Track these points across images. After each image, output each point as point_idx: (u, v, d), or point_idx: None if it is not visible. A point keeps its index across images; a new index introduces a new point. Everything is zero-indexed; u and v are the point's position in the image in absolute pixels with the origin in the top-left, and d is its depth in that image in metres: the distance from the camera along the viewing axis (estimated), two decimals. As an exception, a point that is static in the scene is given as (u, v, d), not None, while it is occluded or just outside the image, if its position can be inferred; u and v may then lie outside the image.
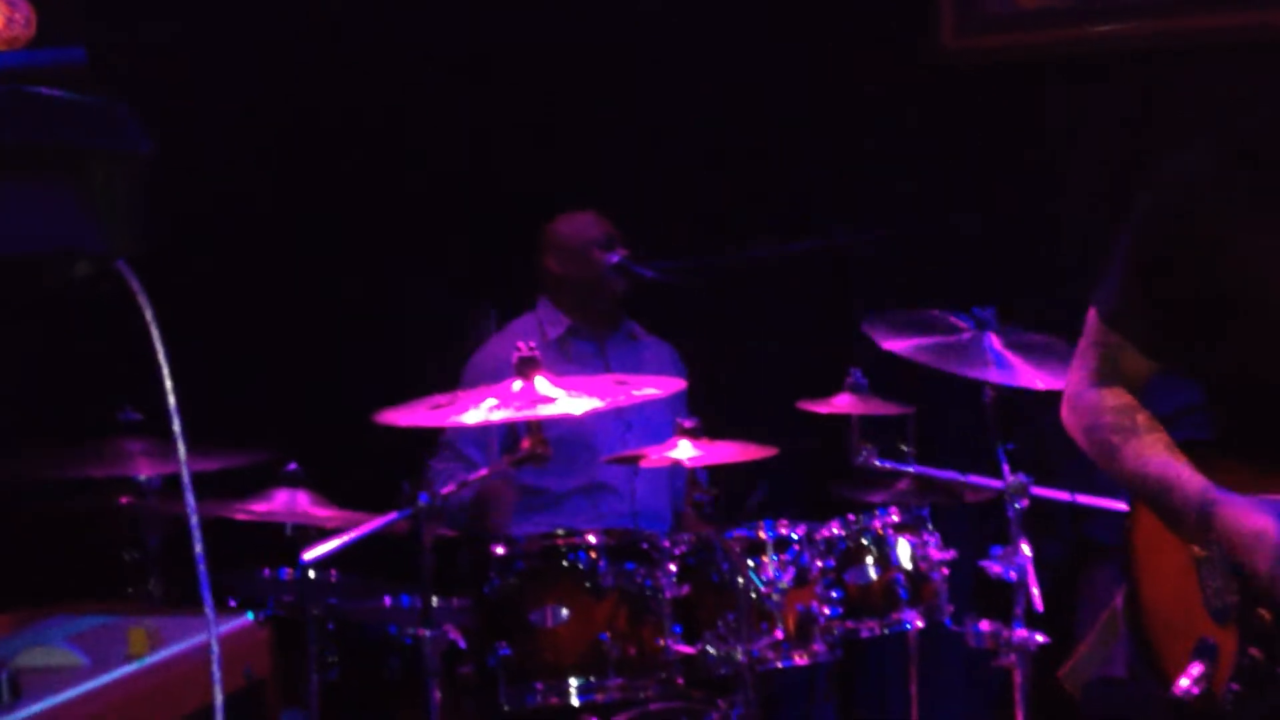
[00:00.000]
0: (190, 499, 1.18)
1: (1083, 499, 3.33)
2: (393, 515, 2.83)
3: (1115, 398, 2.11)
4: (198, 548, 1.16)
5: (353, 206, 4.33)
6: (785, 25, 4.28)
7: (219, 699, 1.10)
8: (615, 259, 3.76)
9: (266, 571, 3.29)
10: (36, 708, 1.26)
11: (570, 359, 3.78)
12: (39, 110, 0.95)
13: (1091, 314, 2.16)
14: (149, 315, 1.06)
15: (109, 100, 0.98)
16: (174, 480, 3.17)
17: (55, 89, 0.95)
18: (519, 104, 4.35)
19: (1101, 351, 2.13)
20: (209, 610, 1.15)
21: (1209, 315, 2.02)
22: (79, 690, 1.29)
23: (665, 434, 3.32)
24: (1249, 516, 1.91)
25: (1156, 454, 2.04)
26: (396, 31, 4.34)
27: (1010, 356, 3.37)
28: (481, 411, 2.79)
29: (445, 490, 2.85)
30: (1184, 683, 1.96)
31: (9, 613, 1.52)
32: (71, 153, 0.95)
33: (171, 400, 1.11)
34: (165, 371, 1.06)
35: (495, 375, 3.15)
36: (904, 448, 3.56)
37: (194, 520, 1.17)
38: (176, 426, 1.13)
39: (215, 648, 1.09)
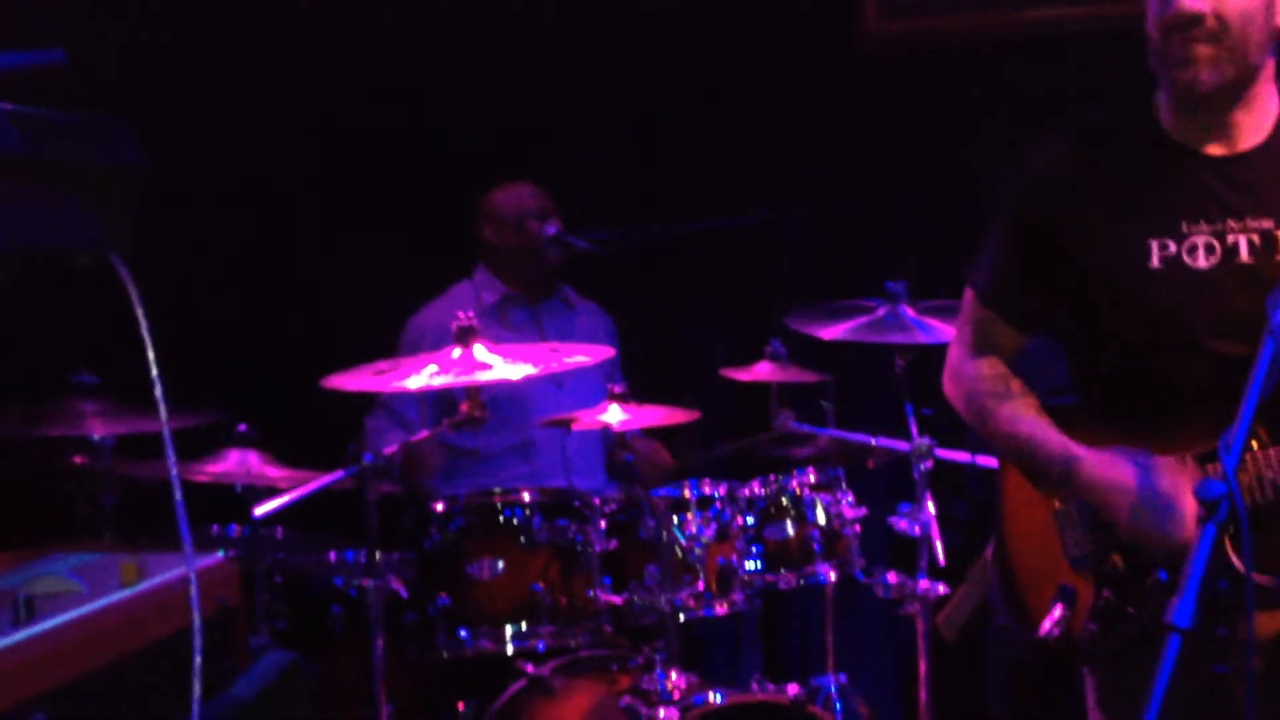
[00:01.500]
0: (171, 455, 1.36)
1: (983, 460, 3.56)
2: (338, 473, 3.01)
3: (990, 367, 2.32)
4: (177, 494, 1.35)
5: (301, 173, 4.46)
6: (715, 7, 4.45)
7: (197, 621, 1.31)
8: (551, 230, 3.95)
9: (215, 528, 3.47)
10: (50, 623, 1.47)
11: (506, 325, 3.96)
12: (46, 129, 1.12)
13: (967, 292, 2.37)
14: (138, 306, 1.23)
15: (108, 117, 1.14)
16: (127, 440, 3.32)
17: (50, 102, 1.12)
18: (462, 77, 4.49)
19: (976, 326, 2.34)
20: (187, 546, 1.35)
21: (1067, 293, 2.23)
22: (82, 611, 1.52)
23: (597, 395, 3.52)
24: (1107, 469, 2.12)
25: (1026, 416, 2.25)
26: (346, 9, 4.46)
27: (929, 320, 3.60)
28: (423, 377, 2.97)
29: (388, 451, 3.03)
30: (1046, 624, 2.17)
31: (7, 551, 1.72)
32: (74, 166, 1.11)
33: (155, 372, 1.28)
34: (151, 356, 1.23)
35: (433, 340, 3.33)
36: (824, 404, 3.79)
37: (174, 472, 1.36)
38: (159, 392, 1.30)
39: (193, 578, 1.29)
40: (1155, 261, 2.13)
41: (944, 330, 3.53)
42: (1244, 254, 2.10)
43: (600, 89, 4.45)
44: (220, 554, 1.75)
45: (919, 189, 4.34)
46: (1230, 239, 2.10)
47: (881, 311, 3.65)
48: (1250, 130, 2.12)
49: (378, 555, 3.03)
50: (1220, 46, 2.04)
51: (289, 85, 4.44)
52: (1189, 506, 2.01)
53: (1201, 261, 2.11)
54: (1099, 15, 3.93)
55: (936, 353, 3.53)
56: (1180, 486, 2.04)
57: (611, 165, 4.47)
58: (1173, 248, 2.12)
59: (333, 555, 3.51)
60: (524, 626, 3.19)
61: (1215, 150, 2.13)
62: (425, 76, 4.47)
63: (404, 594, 3.12)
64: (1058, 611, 2.18)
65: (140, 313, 1.26)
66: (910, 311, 3.63)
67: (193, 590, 1.33)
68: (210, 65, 4.28)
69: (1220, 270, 2.10)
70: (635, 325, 4.18)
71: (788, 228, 4.25)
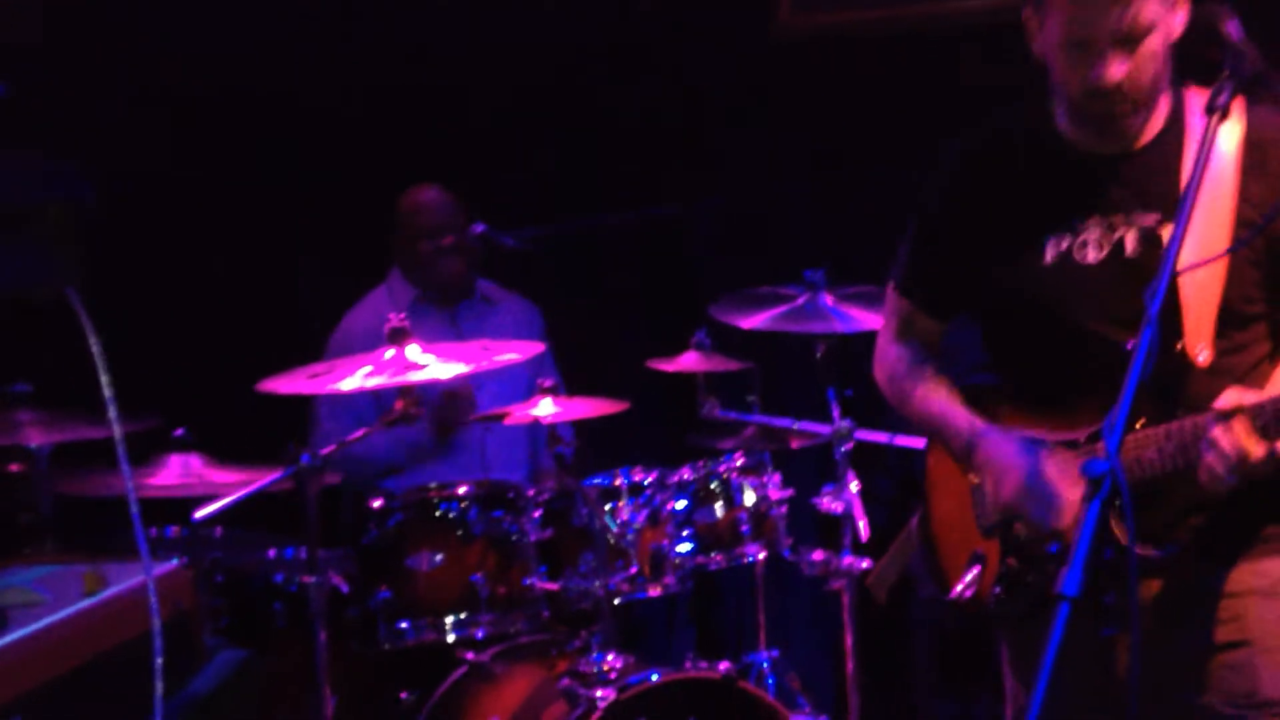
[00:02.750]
0: (127, 470, 1.44)
1: (901, 440, 3.71)
2: (278, 473, 3.08)
3: (910, 352, 2.47)
4: (134, 509, 1.43)
5: (238, 175, 4.50)
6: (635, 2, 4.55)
7: (157, 625, 1.40)
8: (479, 229, 4.03)
9: (154, 530, 3.52)
10: (21, 632, 1.56)
11: (420, 327, 3.98)
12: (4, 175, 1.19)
13: (889, 286, 2.52)
14: (92, 338, 1.31)
15: (58, 159, 1.20)
16: (63, 448, 3.35)
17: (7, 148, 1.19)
18: (383, 78, 4.55)
19: (898, 315, 2.50)
20: (145, 556, 1.43)
21: (975, 285, 2.36)
22: (50, 620, 1.61)
23: (519, 389, 3.61)
24: (1001, 450, 2.26)
25: (939, 397, 2.40)
26: (284, 13, 4.50)
27: (847, 308, 3.74)
28: (357, 379, 3.05)
29: (325, 451, 3.10)
30: (959, 587, 2.32)
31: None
32: (27, 207, 1.18)
33: (108, 391, 1.36)
34: (105, 381, 1.30)
35: (356, 345, 3.41)
36: (750, 398, 3.92)
37: (130, 487, 1.44)
38: (114, 414, 1.38)
39: (152, 586, 1.38)
40: (1049, 256, 2.26)
41: (862, 317, 3.67)
42: (1130, 248, 2.22)
43: (520, 86, 4.53)
44: (175, 561, 1.83)
45: (835, 178, 4.47)
46: (1118, 234, 2.23)
47: (801, 300, 3.78)
48: (1142, 130, 2.24)
49: (318, 551, 3.11)
50: (1139, 100, 2.17)
51: (223, 92, 4.47)
52: (1069, 496, 2.15)
53: (1091, 256, 2.24)
54: (1009, 6, 4.07)
55: (856, 338, 3.68)
56: (1064, 476, 2.18)
57: (534, 161, 4.55)
58: (1065, 243, 2.25)
59: (273, 553, 3.57)
60: (464, 616, 3.29)
61: (1107, 149, 2.25)
62: (348, 79, 4.52)
63: (345, 589, 3.20)
64: (969, 575, 2.33)
65: (94, 343, 1.34)
66: (829, 299, 3.77)
67: (152, 597, 1.42)
68: (140, 67, 4.31)
69: (1108, 264, 2.22)
70: (562, 319, 4.28)
71: (709, 218, 4.37)
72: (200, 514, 3.07)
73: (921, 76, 4.37)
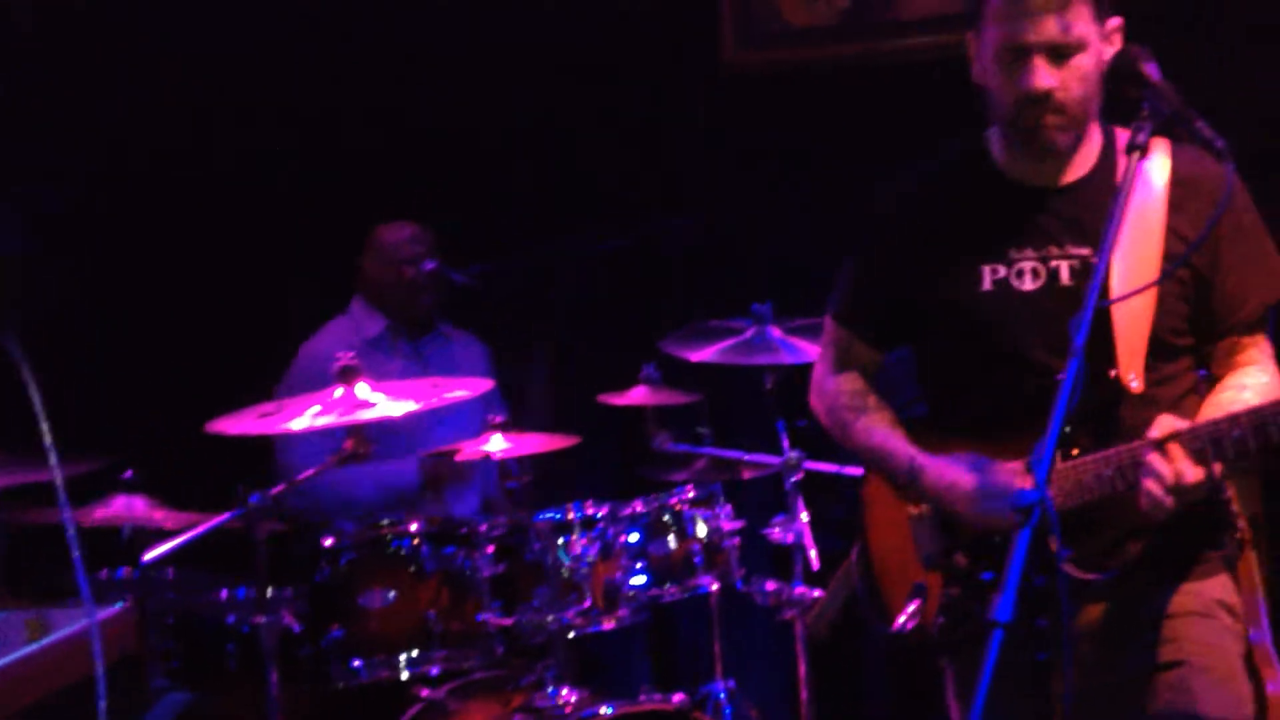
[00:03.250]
0: (66, 509, 1.46)
1: (850, 470, 3.75)
2: (226, 515, 3.08)
3: (849, 383, 2.50)
4: (75, 551, 1.44)
5: (182, 214, 4.51)
6: (582, 40, 4.60)
7: (100, 669, 1.41)
8: (430, 266, 4.06)
9: (104, 573, 3.50)
10: None
11: (392, 358, 4.06)
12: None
13: (828, 316, 2.55)
14: (31, 385, 1.32)
15: None
16: (5, 493, 3.33)
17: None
18: (339, 112, 4.58)
19: (836, 346, 2.53)
20: (88, 600, 1.44)
21: (913, 315, 2.41)
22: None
23: (474, 424, 3.63)
24: (945, 473, 2.30)
25: (880, 428, 2.43)
26: (244, 35, 4.52)
27: (794, 341, 3.79)
28: (306, 418, 3.06)
29: (275, 491, 3.10)
30: (902, 619, 2.35)
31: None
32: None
33: (48, 439, 1.37)
34: (45, 429, 1.31)
35: (317, 377, 3.41)
36: (701, 431, 3.96)
37: (71, 531, 1.45)
38: (54, 461, 1.39)
39: (95, 629, 1.39)
40: (987, 285, 2.31)
41: (809, 349, 3.72)
42: (1065, 278, 2.28)
43: (469, 123, 4.56)
44: (119, 604, 1.84)
45: (782, 212, 4.53)
46: (1053, 264, 2.28)
47: (749, 332, 3.83)
48: (1076, 165, 2.31)
49: (269, 591, 3.11)
50: (1067, 114, 2.23)
51: (176, 128, 4.48)
52: (1025, 486, 2.18)
53: (1028, 284, 2.29)
54: (952, 43, 4.17)
55: (804, 370, 3.72)
56: (1015, 474, 2.22)
57: (483, 198, 4.59)
58: (1002, 272, 2.31)
59: (224, 593, 3.56)
60: (417, 653, 3.30)
61: (1042, 182, 2.32)
62: (306, 112, 4.55)
63: (296, 628, 3.20)
64: (912, 607, 2.36)
65: (33, 390, 1.35)
66: (776, 332, 3.82)
67: (95, 641, 1.43)
68: (91, 105, 4.32)
69: (1044, 293, 2.28)
70: (512, 355, 4.30)
71: (657, 253, 4.41)
72: (150, 555, 3.07)
73: (864, 112, 4.45)
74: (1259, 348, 2.31)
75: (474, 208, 4.55)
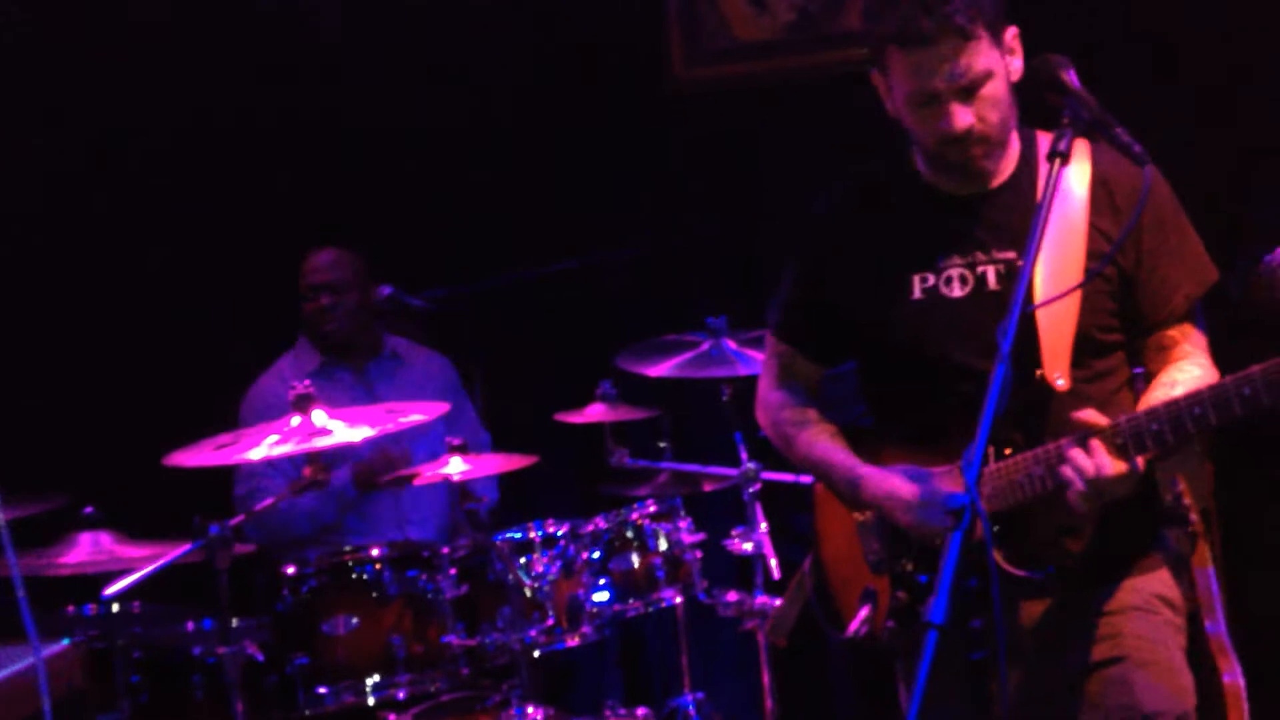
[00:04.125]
0: (10, 552, 1.48)
1: (807, 479, 3.79)
2: (187, 547, 3.10)
3: (792, 397, 2.54)
4: (20, 591, 1.46)
5: (136, 242, 4.52)
6: (534, 58, 4.64)
7: (46, 706, 1.43)
8: (386, 291, 4.08)
9: (71, 608, 3.51)
10: None
11: (333, 389, 3.99)
12: None
13: (768, 331, 2.60)
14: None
15: None
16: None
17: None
18: (291, 142, 4.60)
19: (778, 360, 2.57)
20: (33, 638, 1.47)
21: (850, 326, 2.45)
22: None
23: (436, 445, 3.65)
24: (885, 482, 2.35)
25: (822, 440, 2.48)
26: (182, 78, 4.53)
27: (749, 352, 3.83)
28: (264, 448, 3.08)
29: (234, 522, 3.12)
30: (854, 625, 2.39)
31: None
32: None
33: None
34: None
35: (264, 413, 3.44)
36: (661, 445, 3.99)
37: (15, 568, 1.47)
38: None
39: (41, 667, 1.40)
40: (917, 294, 2.36)
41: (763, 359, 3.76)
42: (992, 283, 2.32)
43: (425, 145, 4.59)
44: (66, 641, 1.85)
45: (735, 225, 4.57)
46: (980, 270, 2.33)
47: (706, 346, 3.87)
48: (997, 171, 2.35)
49: (233, 622, 3.13)
50: (990, 141, 2.28)
51: (123, 161, 4.50)
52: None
53: (956, 291, 2.34)
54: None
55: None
56: (954, 483, 2.26)
57: (438, 220, 4.61)
58: (931, 280, 2.35)
59: (190, 625, 3.58)
60: (382, 677, 3.32)
61: (966, 190, 2.36)
62: (259, 145, 4.57)
63: (260, 658, 3.21)
64: (863, 612, 2.40)
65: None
66: (732, 344, 3.86)
67: (41, 679, 1.45)
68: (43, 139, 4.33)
69: (972, 298, 2.32)
70: (470, 376, 4.33)
71: (612, 270, 4.45)
72: (111, 590, 3.08)
73: (813, 123, 4.50)
74: (1190, 340, 2.34)
75: (429, 231, 4.58)
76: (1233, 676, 3.34)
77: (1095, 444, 2.13)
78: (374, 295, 4.06)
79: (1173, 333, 2.34)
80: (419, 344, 4.28)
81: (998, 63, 2.26)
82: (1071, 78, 2.15)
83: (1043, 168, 2.26)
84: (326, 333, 4.08)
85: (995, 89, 2.25)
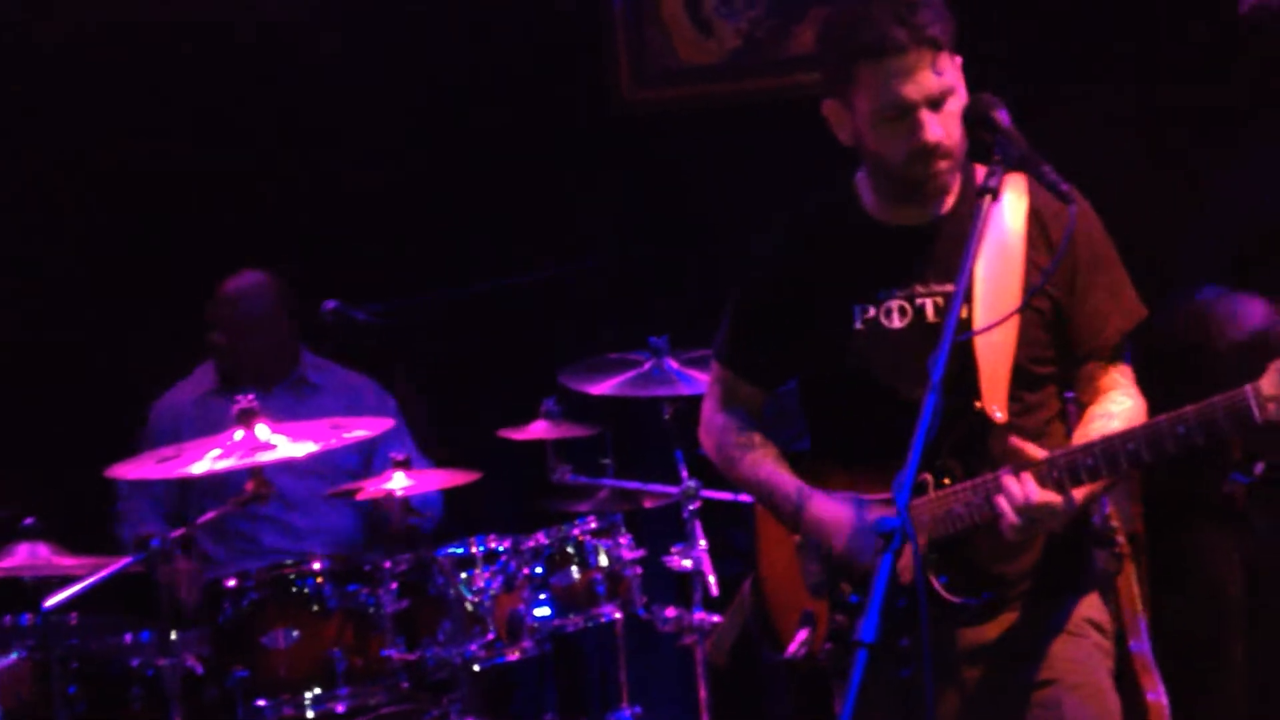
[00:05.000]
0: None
1: (746, 497, 3.85)
2: (128, 559, 3.10)
3: (735, 420, 2.59)
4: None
5: (76, 262, 4.50)
6: (483, 77, 4.67)
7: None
8: (330, 305, 4.09)
9: (8, 619, 3.49)
10: None
11: (214, 412, 3.90)
12: None
13: (713, 355, 2.65)
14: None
15: None
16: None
17: None
18: (230, 159, 4.60)
19: (722, 385, 2.62)
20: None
21: (793, 354, 2.51)
22: None
23: (348, 463, 3.66)
24: (828, 508, 2.40)
25: (766, 464, 2.52)
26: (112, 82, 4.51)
27: (691, 372, 3.89)
28: (206, 462, 3.09)
29: (176, 535, 3.13)
30: (793, 647, 2.43)
31: None
32: None
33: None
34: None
35: (173, 423, 3.43)
36: (603, 462, 4.04)
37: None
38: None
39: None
40: (858, 325, 2.42)
41: (705, 380, 3.80)
42: (930, 315, 2.38)
43: (371, 163, 4.61)
44: (14, 655, 1.85)
45: (679, 245, 4.63)
46: (919, 301, 2.39)
47: (648, 365, 3.92)
48: (938, 204, 2.41)
49: (172, 634, 3.13)
50: (954, 158, 2.34)
51: (59, 171, 4.48)
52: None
53: (896, 323, 2.40)
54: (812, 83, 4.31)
55: (701, 401, 3.82)
56: (891, 511, 2.31)
57: (384, 235, 4.63)
58: (872, 312, 2.41)
59: (129, 637, 3.57)
60: (322, 691, 3.33)
61: (907, 221, 2.42)
62: (193, 159, 4.57)
63: (200, 670, 3.22)
64: (802, 634, 2.45)
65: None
66: (674, 364, 3.92)
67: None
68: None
69: (911, 329, 2.38)
70: (413, 391, 4.35)
71: (557, 288, 4.49)
72: (51, 601, 3.07)
73: (757, 146, 4.57)
74: (1120, 372, 2.42)
75: (375, 246, 4.60)
76: (1156, 695, 3.43)
77: (1027, 476, 2.20)
78: (294, 322, 4.06)
79: (1105, 366, 2.41)
80: (344, 367, 4.27)
81: (959, 81, 2.32)
82: (1002, 116, 2.21)
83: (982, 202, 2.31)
84: (226, 372, 4.08)
85: (956, 106, 2.31)
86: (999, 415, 2.32)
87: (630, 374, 3.90)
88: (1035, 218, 2.38)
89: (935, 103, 2.29)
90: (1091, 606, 2.44)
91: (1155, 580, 3.63)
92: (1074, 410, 2.51)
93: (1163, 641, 3.49)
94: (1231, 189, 3.83)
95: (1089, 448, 2.22)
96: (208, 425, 3.65)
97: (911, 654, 2.15)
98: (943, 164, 2.32)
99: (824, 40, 2.41)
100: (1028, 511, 2.19)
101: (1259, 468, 3.20)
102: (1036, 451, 2.23)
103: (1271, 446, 2.28)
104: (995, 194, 2.18)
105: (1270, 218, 3.64)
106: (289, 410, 4.07)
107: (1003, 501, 2.21)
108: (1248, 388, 2.12)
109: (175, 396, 4.08)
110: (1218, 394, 2.15)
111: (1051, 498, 2.20)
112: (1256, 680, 3.53)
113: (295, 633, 3.34)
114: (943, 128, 2.30)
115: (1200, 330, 3.25)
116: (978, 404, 2.32)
